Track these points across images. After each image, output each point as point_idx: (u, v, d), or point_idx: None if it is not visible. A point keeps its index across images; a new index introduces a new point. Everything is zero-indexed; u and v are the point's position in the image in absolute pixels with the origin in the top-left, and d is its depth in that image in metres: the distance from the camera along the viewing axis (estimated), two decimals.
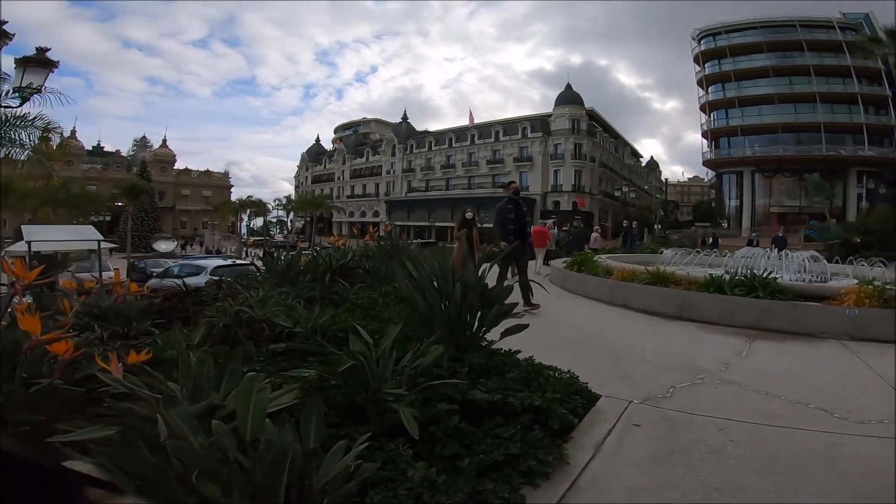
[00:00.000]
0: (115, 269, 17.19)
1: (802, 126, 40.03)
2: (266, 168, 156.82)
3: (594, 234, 18.51)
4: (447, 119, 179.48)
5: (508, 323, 3.21)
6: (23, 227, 14.41)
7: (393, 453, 2.06)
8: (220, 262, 12.15)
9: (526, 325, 3.13)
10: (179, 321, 4.26)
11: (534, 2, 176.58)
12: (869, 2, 36.83)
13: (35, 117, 6.56)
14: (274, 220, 63.50)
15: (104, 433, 1.81)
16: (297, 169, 76.01)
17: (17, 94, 6.55)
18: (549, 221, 20.46)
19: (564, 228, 18.09)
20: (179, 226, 60.37)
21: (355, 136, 70.46)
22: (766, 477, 2.08)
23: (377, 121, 74.96)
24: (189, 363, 2.20)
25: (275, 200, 56.95)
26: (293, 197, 59.31)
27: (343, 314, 4.22)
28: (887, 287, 5.10)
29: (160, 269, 14.52)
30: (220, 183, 66.55)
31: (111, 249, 34.20)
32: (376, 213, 60.36)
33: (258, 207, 51.54)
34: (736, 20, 44.21)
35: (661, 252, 11.37)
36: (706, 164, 47.61)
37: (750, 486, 2.00)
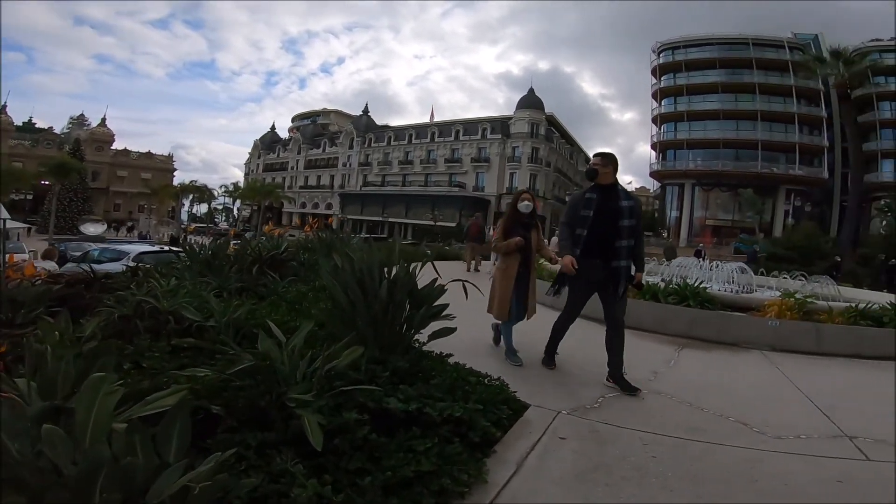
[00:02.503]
0: (31, 252, 15.48)
1: (742, 142, 42.15)
2: (218, 153, 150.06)
3: (555, 239, 17.71)
4: (411, 116, 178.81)
5: (439, 325, 3.04)
6: None
7: (281, 467, 1.82)
8: (147, 247, 11.23)
9: (454, 329, 2.96)
10: (77, 310, 3.83)
11: (512, 2, 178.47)
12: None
13: None
14: (220, 207, 60.59)
15: None
16: (248, 156, 72.91)
17: None
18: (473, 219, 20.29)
19: None
20: (112, 208, 56.42)
21: (313, 126, 68.65)
22: (685, 496, 2.01)
23: (337, 112, 73.42)
24: (45, 358, 1.90)
25: (221, 187, 54.27)
26: (241, 184, 56.69)
27: (265, 308, 3.90)
28: (807, 300, 5.35)
29: (80, 253, 13.28)
30: (162, 166, 62.63)
31: (29, 230, 31.26)
32: (329, 206, 58.95)
33: (201, 193, 48.81)
34: (695, 35, 45.66)
35: None
36: (652, 175, 49.54)
37: None
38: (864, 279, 14.82)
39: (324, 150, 62.61)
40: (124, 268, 6.67)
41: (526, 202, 4.11)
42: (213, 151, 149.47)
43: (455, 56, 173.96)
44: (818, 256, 20.82)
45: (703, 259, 10.27)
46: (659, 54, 47.29)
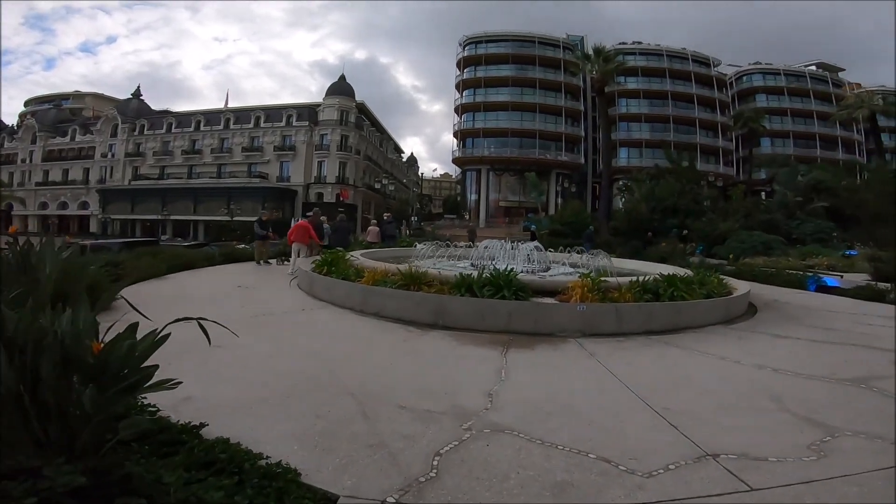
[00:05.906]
0: None
1: (525, 132, 48.54)
2: None
3: (372, 228, 15.59)
4: (206, 101, 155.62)
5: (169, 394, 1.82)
6: None
7: None
8: None
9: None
10: None
11: None
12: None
13: None
14: None
15: None
16: None
17: None
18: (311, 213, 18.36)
19: (326, 220, 16.46)
20: None
21: (57, 112, 53.81)
22: None
23: (96, 95, 59.59)
24: None
25: None
26: None
27: None
28: (601, 280, 5.62)
29: None
30: None
31: None
32: (84, 205, 47.38)
33: None
34: (494, 31, 50.20)
35: (416, 246, 11.34)
36: (455, 161, 53.26)
37: None
38: (617, 248, 17.89)
39: (73, 138, 50.05)
40: None
41: None
42: None
43: (264, 41, 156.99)
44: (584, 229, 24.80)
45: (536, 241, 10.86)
46: (464, 47, 50.65)
